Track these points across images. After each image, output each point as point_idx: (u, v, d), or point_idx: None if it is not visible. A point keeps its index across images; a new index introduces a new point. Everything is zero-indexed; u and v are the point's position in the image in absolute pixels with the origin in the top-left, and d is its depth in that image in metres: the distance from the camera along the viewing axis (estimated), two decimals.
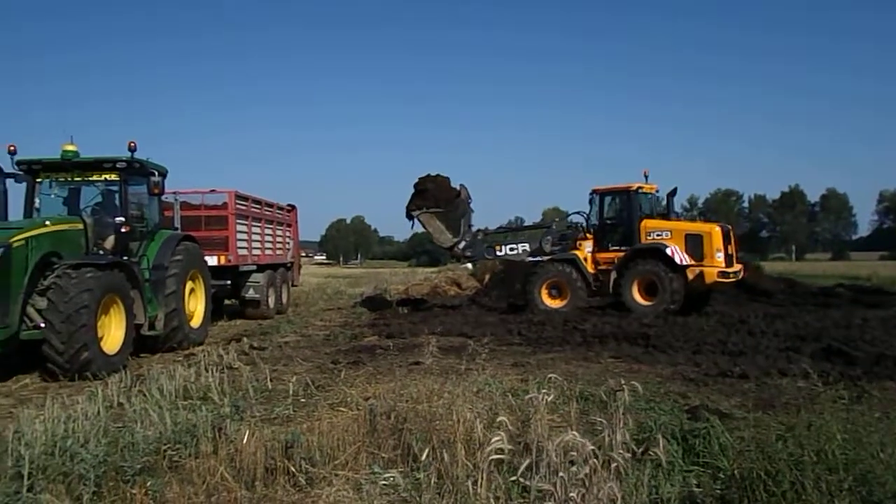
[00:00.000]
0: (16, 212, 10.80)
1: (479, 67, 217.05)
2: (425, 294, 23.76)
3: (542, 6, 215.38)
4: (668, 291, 15.61)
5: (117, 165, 10.79)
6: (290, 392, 7.39)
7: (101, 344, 9.39)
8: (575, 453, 3.89)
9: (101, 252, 10.53)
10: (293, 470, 4.68)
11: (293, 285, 21.26)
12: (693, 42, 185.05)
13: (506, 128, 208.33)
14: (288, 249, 20.17)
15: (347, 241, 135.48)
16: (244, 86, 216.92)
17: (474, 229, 18.46)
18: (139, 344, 10.73)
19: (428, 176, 18.02)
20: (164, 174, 11.74)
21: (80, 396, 7.24)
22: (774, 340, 11.22)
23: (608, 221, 17.33)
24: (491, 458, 4.08)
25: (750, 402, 7.11)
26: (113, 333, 9.81)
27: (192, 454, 5.06)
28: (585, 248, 17.19)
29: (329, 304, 22.69)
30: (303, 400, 7.31)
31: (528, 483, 3.74)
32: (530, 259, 18.01)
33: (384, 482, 4.00)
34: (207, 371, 8.20)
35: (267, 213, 18.51)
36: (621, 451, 4.17)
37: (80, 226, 10.36)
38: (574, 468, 3.76)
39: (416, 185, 17.95)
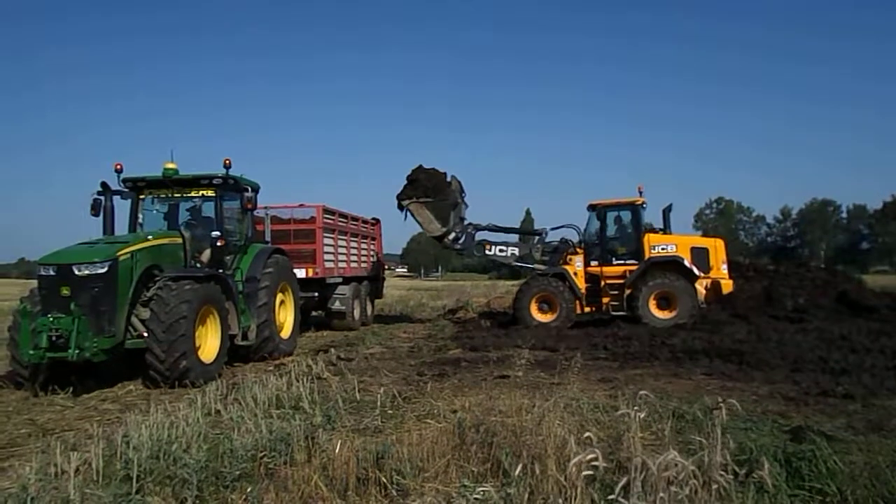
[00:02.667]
0: (121, 227, 11.46)
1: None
2: (507, 307, 23.64)
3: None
4: (688, 303, 15.73)
5: (213, 182, 11.27)
6: (378, 403, 7.47)
7: (199, 353, 9.79)
8: (673, 473, 3.76)
9: (199, 265, 11.01)
10: (384, 481, 4.72)
11: (377, 297, 21.60)
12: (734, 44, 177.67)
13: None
14: (373, 262, 20.51)
15: (428, 254, 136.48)
16: (333, 106, 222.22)
17: (466, 222, 18.41)
18: (232, 353, 11.11)
19: (420, 167, 18.09)
20: (256, 190, 12.18)
21: (181, 403, 7.57)
22: (880, 358, 10.55)
23: (610, 236, 17.27)
24: (584, 474, 4.00)
25: (856, 423, 6.71)
26: (209, 343, 10.21)
27: (286, 462, 5.18)
28: (576, 263, 17.28)
29: (412, 317, 22.89)
30: (390, 411, 7.37)
31: (625, 502, 3.64)
32: (517, 264, 18.30)
33: (477, 496, 3.97)
34: (298, 381, 8.40)
35: (352, 226, 18.92)
36: (722, 473, 4.00)
37: (179, 240, 10.87)
38: (673, 488, 3.63)
39: (408, 177, 18.03)
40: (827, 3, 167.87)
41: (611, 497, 3.76)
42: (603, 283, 16.98)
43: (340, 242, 17.73)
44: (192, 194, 11.59)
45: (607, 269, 16.96)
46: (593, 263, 17.19)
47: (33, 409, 8.31)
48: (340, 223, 17.94)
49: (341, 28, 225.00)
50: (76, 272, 9.06)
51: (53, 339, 8.73)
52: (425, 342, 14.81)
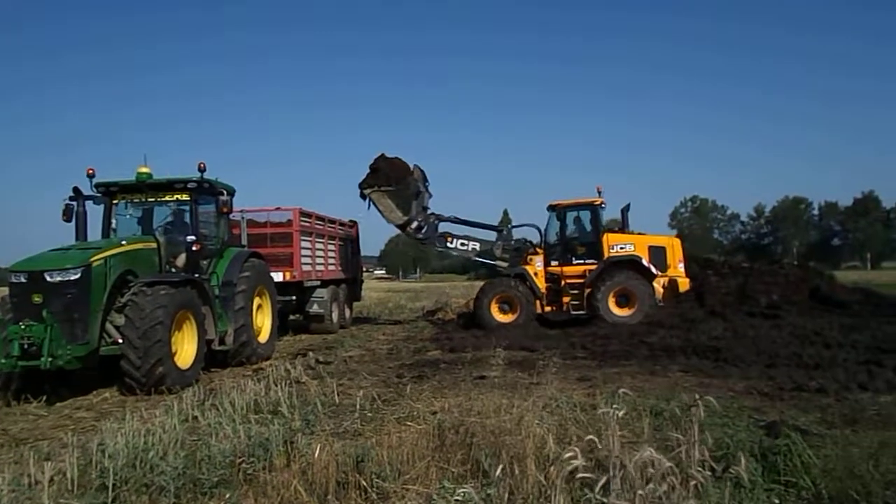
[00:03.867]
0: (94, 232, 11.27)
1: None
2: None
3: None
4: (646, 301, 16.13)
5: (188, 186, 11.15)
6: (358, 406, 7.47)
7: (175, 359, 9.68)
8: (651, 470, 3.79)
9: (174, 270, 10.89)
10: (364, 484, 4.70)
11: (356, 300, 21.53)
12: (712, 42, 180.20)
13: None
14: (351, 264, 20.44)
15: (406, 255, 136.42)
16: (310, 111, 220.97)
17: (430, 212, 18.43)
18: (209, 359, 11.01)
19: (382, 155, 18.10)
20: (231, 193, 12.09)
21: (157, 410, 7.50)
22: (853, 353, 10.73)
23: (570, 236, 17.55)
24: (564, 473, 4.02)
25: (830, 417, 6.82)
26: (186, 349, 10.11)
27: (265, 467, 5.14)
28: (536, 263, 17.51)
29: (391, 319, 22.86)
30: (370, 414, 7.36)
31: (604, 500, 3.67)
32: (477, 259, 18.44)
33: (457, 498, 3.98)
34: (276, 385, 8.35)
35: (330, 229, 18.84)
36: (700, 469, 4.04)
37: (154, 245, 10.76)
38: (651, 485, 3.66)
39: (370, 165, 18.03)
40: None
41: (590, 496, 3.79)
42: (563, 282, 17.26)
43: (318, 245, 17.64)
44: (167, 198, 11.45)
45: (567, 269, 17.26)
46: (553, 263, 17.47)
47: (6, 419, 8.16)
48: (318, 226, 17.86)
49: (318, 31, 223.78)
50: (48, 279, 8.93)
51: (26, 347, 8.59)
52: (404, 344, 14.79)
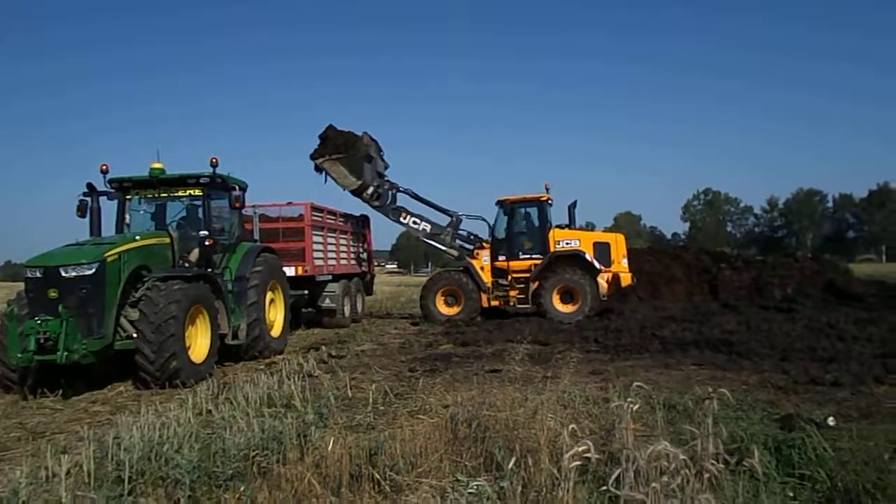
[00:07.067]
0: (108, 228, 11.37)
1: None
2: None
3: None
4: (588, 296, 16.52)
5: (201, 181, 11.19)
6: (370, 400, 7.49)
7: (189, 353, 9.74)
8: (665, 463, 3.78)
9: (187, 265, 10.94)
10: (377, 477, 4.71)
11: (368, 294, 21.58)
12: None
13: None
14: (362, 259, 20.48)
15: (418, 249, 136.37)
16: (315, 107, 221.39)
17: (386, 179, 18.60)
18: (222, 353, 11.07)
19: (330, 126, 18.15)
20: (244, 188, 12.13)
21: (172, 403, 7.56)
22: (868, 346, 10.66)
23: (518, 231, 17.84)
24: (575, 466, 4.01)
25: (845, 410, 6.77)
26: (199, 343, 10.16)
27: (279, 461, 5.15)
28: (482, 258, 17.92)
29: (402, 313, 22.89)
30: (382, 408, 7.38)
31: (617, 493, 3.66)
32: (426, 240, 18.72)
33: (471, 491, 3.98)
34: (289, 379, 8.38)
35: (341, 223, 18.86)
36: (714, 462, 4.02)
37: (167, 240, 10.81)
38: (665, 478, 3.65)
39: (319, 135, 18.09)
40: None
41: (603, 488, 3.78)
42: (510, 277, 17.53)
43: (329, 240, 17.67)
44: (180, 194, 11.51)
45: (514, 264, 17.61)
46: (501, 258, 17.75)
47: (23, 413, 8.25)
48: (329, 220, 17.88)
49: (319, 30, 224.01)
50: (63, 274, 9.00)
51: (42, 341, 8.66)
52: (416, 338, 14.82)
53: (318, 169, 18.00)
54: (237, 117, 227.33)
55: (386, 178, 18.66)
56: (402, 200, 18.78)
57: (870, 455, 4.21)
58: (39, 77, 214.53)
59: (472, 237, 18.58)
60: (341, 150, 17.80)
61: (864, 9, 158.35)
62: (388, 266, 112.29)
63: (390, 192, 18.54)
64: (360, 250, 20.45)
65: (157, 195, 11.57)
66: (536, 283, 17.06)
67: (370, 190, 18.05)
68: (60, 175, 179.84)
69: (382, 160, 18.86)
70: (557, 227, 17.76)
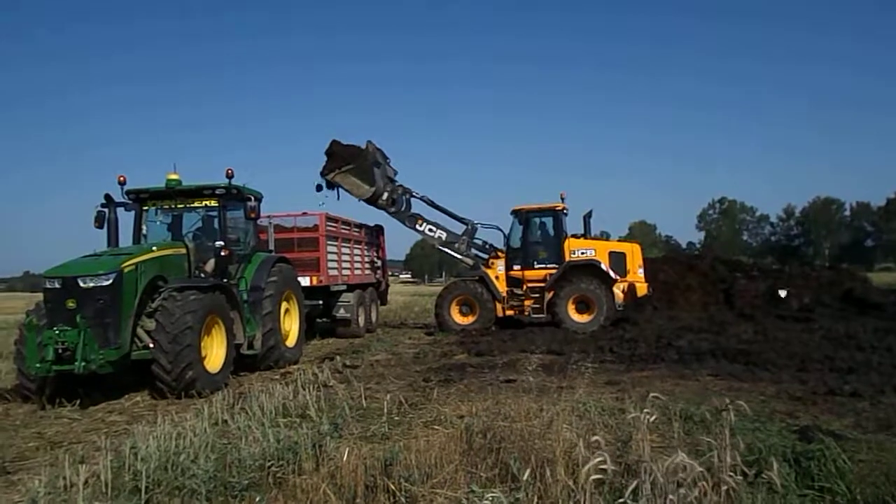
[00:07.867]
0: (125, 239, 11.46)
1: None
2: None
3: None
4: (604, 306, 16.41)
5: (217, 192, 11.29)
6: (385, 410, 7.48)
7: (205, 363, 9.78)
8: (682, 475, 3.75)
9: (203, 275, 11.02)
10: (392, 488, 4.70)
11: (382, 304, 21.61)
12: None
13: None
14: (376, 269, 20.53)
15: (432, 259, 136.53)
16: (328, 116, 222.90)
17: (398, 184, 18.57)
18: (238, 363, 11.11)
19: (334, 141, 18.18)
20: (259, 199, 12.22)
21: (188, 413, 7.58)
22: (887, 356, 10.54)
23: (533, 240, 17.78)
24: (592, 478, 3.99)
25: (865, 422, 6.69)
26: (215, 353, 10.21)
27: (294, 471, 5.17)
28: (497, 267, 17.86)
29: (416, 323, 22.89)
30: (397, 418, 7.37)
31: None
32: (441, 248, 18.65)
33: (486, 502, 3.96)
34: (304, 389, 8.41)
35: (355, 233, 18.92)
36: (732, 474, 3.99)
37: (184, 250, 10.90)
38: (682, 490, 3.62)
39: (325, 151, 18.09)
40: (827, 3, 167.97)
41: (620, 500, 3.76)
42: (525, 286, 17.46)
43: (344, 250, 17.74)
44: (196, 205, 11.61)
45: (529, 273, 17.55)
46: (516, 267, 17.70)
47: (41, 423, 8.31)
48: (343, 231, 17.95)
49: (322, 35, 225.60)
50: (81, 284, 9.08)
51: (60, 351, 8.74)
52: (430, 348, 14.79)
53: (331, 185, 18.06)
54: (247, 123, 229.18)
55: (398, 184, 18.70)
56: (417, 207, 18.81)
57: (890, 467, 4.15)
58: (39, 80, 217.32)
59: (487, 246, 18.59)
60: (349, 161, 17.87)
61: (884, 18, 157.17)
62: (402, 276, 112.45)
63: (405, 198, 18.55)
64: (375, 260, 20.50)
65: (173, 206, 11.68)
66: (551, 293, 16.98)
67: (385, 196, 18.07)
68: (71, 185, 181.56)
69: (390, 167, 18.91)
70: (573, 236, 17.72)
